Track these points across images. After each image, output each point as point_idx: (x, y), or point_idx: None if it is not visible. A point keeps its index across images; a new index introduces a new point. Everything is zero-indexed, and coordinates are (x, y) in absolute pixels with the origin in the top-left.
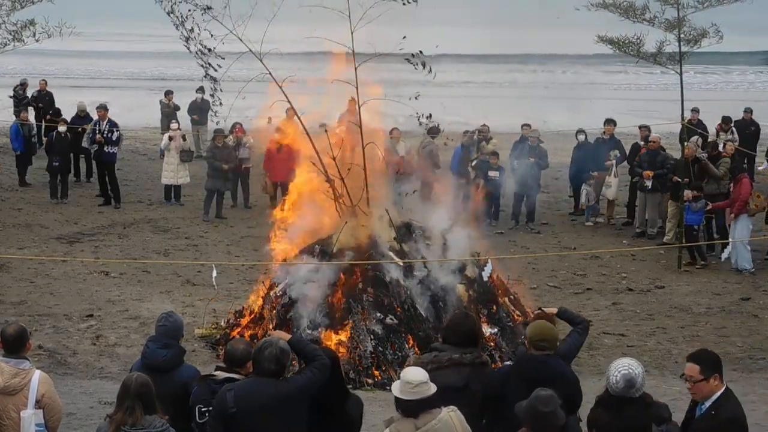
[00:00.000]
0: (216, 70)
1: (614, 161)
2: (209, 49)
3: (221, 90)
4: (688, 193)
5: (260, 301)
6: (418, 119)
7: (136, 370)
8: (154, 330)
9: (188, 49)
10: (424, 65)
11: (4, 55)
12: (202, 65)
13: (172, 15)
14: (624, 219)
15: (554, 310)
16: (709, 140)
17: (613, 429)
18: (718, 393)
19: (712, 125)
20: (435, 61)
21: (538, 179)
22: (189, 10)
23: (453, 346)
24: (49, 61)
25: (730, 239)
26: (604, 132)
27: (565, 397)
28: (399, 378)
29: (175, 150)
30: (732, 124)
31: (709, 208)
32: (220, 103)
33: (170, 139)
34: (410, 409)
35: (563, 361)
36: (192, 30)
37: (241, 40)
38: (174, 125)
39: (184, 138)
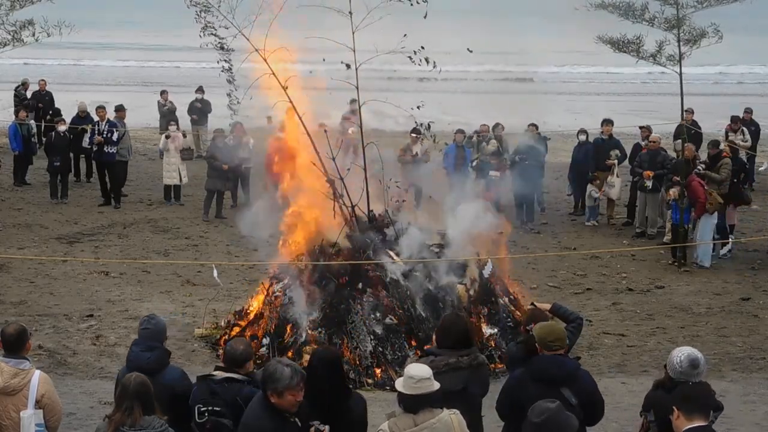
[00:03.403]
0: (232, 66)
1: (615, 161)
2: (223, 47)
3: (236, 89)
4: (674, 192)
5: (260, 301)
6: (418, 127)
7: (121, 375)
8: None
9: (214, 36)
10: (427, 61)
11: (4, 55)
12: (219, 60)
13: (193, 8)
14: (624, 219)
15: (548, 306)
16: (711, 139)
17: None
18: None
19: (711, 124)
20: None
21: (540, 179)
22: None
23: (448, 350)
24: (49, 60)
25: (698, 239)
26: (602, 132)
27: (583, 402)
28: (401, 375)
29: (174, 150)
30: (740, 124)
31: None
32: (238, 102)
33: (167, 138)
34: (411, 404)
35: (576, 361)
36: (207, 25)
37: (247, 38)
38: (172, 126)
39: (184, 135)
